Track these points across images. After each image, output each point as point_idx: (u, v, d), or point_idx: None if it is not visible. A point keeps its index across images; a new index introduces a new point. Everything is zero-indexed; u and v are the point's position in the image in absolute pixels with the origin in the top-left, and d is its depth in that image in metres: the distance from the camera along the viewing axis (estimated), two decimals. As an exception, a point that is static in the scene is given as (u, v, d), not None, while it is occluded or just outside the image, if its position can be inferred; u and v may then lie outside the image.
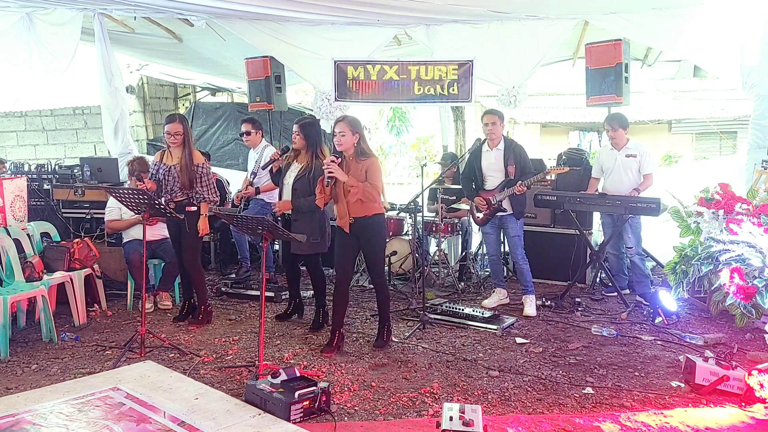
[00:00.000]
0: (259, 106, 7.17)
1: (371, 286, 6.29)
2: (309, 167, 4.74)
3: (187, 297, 5.32)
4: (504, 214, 5.43)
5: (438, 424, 2.99)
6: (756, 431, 3.32)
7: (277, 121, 8.19)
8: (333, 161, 4.22)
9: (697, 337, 4.71)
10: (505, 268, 6.14)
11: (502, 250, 6.07)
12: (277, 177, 5.17)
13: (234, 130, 9.51)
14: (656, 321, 5.11)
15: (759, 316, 4.50)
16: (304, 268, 5.38)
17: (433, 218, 6.53)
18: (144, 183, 5.01)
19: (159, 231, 5.66)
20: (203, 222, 4.95)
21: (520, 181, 5.25)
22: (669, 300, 5.13)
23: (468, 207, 6.63)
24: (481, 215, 5.56)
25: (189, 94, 11.55)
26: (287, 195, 4.86)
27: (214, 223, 6.76)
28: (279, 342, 4.73)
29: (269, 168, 5.24)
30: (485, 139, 5.55)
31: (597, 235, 6.49)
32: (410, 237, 6.44)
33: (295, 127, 4.90)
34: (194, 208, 4.95)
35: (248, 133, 6.23)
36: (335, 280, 4.56)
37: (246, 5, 6.12)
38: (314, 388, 3.44)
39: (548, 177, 5.77)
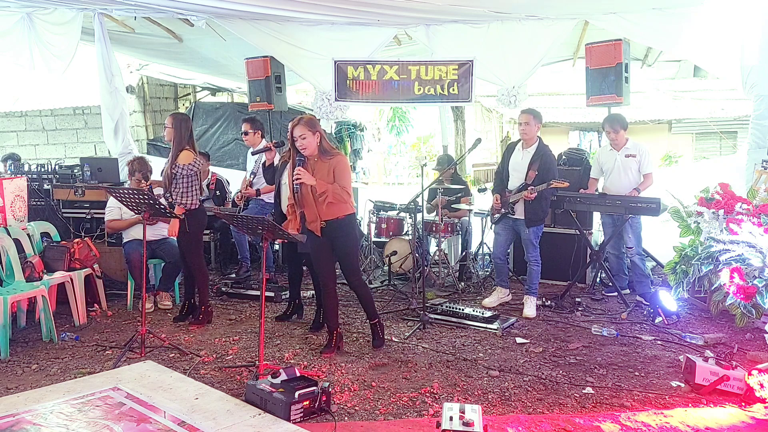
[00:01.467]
0: (259, 106, 7.16)
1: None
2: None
3: (187, 297, 5.32)
4: (516, 218, 5.41)
5: (438, 424, 2.99)
6: (756, 431, 3.32)
7: (277, 121, 8.20)
8: (300, 172, 4.11)
9: (697, 337, 4.71)
10: (507, 268, 6.12)
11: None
12: (270, 171, 5.12)
13: (234, 130, 9.51)
14: (656, 321, 5.12)
15: (759, 316, 4.50)
16: (305, 268, 5.38)
17: (433, 218, 6.53)
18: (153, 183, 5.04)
19: (159, 231, 5.65)
20: (171, 225, 4.93)
21: (530, 187, 5.24)
22: (669, 300, 5.13)
23: (467, 207, 6.66)
24: (495, 213, 5.59)
25: (189, 94, 11.55)
26: (286, 194, 4.84)
27: (214, 223, 6.78)
28: (279, 342, 4.73)
29: (263, 161, 5.19)
30: (515, 140, 5.53)
31: (597, 235, 6.50)
32: (410, 237, 6.44)
33: (291, 125, 4.88)
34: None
35: (246, 134, 6.23)
36: (321, 283, 4.53)
37: (246, 5, 6.11)
38: (314, 388, 3.44)
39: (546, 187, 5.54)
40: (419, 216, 5.89)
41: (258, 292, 5.56)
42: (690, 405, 3.61)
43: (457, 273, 6.57)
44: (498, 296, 5.63)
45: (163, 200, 4.90)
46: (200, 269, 5.12)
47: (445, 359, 4.33)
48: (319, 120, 6.59)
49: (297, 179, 4.14)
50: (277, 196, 5.04)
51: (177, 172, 4.85)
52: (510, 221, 5.48)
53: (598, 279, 6.17)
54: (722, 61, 6.03)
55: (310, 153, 4.20)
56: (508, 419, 3.42)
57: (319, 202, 4.20)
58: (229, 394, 3.68)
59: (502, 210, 5.45)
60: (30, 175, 6.24)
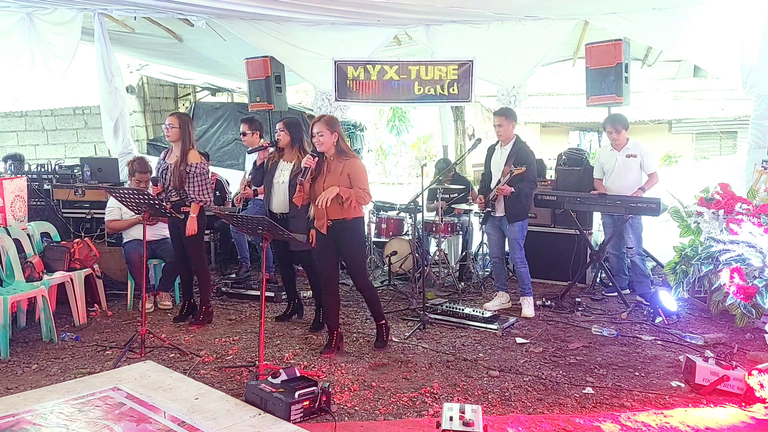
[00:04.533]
0: (259, 106, 7.16)
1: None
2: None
3: (187, 297, 5.32)
4: (497, 215, 5.42)
5: (438, 424, 2.99)
6: (756, 431, 3.32)
7: (277, 121, 8.18)
8: (310, 158, 4.24)
9: (697, 337, 4.71)
10: (506, 268, 6.12)
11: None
12: (260, 171, 5.10)
13: (234, 130, 9.51)
14: (656, 321, 5.12)
15: (759, 316, 4.50)
16: (300, 268, 5.36)
17: (433, 218, 6.53)
18: (156, 188, 5.01)
19: (159, 231, 5.66)
20: (190, 223, 4.87)
21: (498, 184, 5.27)
22: (669, 300, 5.13)
23: (467, 207, 6.65)
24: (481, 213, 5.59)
25: (189, 94, 11.55)
26: (278, 194, 4.83)
27: (214, 223, 6.78)
28: (279, 342, 4.73)
29: (254, 161, 5.17)
30: (494, 142, 5.56)
31: (597, 235, 6.49)
32: (410, 237, 6.44)
33: (279, 125, 4.91)
34: (188, 209, 4.92)
35: (244, 134, 6.23)
36: (323, 283, 4.53)
37: (246, 5, 6.12)
38: (314, 388, 3.44)
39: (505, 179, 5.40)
40: (419, 216, 5.89)
41: (258, 292, 5.56)
42: (690, 405, 3.61)
43: (457, 273, 6.57)
44: (500, 301, 5.60)
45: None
46: (202, 269, 5.12)
47: (445, 359, 4.33)
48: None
49: (306, 164, 4.24)
50: (268, 195, 4.99)
51: (191, 171, 4.87)
52: (495, 220, 5.49)
53: (598, 279, 6.17)
54: (722, 61, 6.03)
55: (324, 150, 4.28)
56: (508, 419, 3.42)
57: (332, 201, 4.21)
58: (229, 394, 3.68)
59: (487, 209, 5.46)
60: (30, 175, 6.24)
